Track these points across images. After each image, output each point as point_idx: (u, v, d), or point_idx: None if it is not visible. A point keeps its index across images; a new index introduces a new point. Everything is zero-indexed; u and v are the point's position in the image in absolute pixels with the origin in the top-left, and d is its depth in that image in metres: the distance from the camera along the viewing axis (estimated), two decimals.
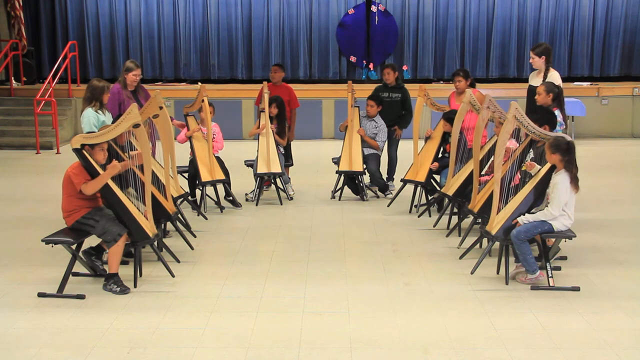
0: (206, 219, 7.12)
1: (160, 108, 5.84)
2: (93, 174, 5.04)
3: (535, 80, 7.08)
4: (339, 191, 8.08)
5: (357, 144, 7.87)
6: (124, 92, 6.96)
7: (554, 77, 6.96)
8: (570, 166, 5.08)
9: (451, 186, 6.58)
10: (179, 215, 6.35)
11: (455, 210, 6.73)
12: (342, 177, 8.01)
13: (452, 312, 4.72)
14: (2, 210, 7.75)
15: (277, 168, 7.73)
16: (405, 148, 8.53)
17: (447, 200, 6.82)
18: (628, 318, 4.63)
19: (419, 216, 7.20)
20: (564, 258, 5.79)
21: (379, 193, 8.22)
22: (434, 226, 6.76)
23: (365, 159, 7.92)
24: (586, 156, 9.96)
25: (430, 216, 7.15)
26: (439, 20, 14.95)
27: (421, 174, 7.28)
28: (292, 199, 8.03)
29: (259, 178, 7.81)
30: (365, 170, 7.99)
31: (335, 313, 4.73)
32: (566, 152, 5.07)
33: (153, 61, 14.90)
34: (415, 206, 7.38)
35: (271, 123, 7.91)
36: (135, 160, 5.43)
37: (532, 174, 5.41)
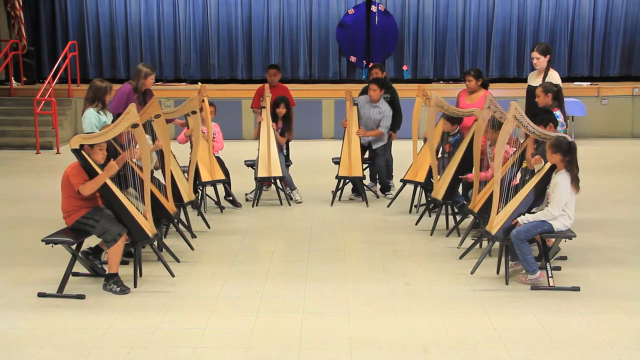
0: (206, 222, 7.03)
1: (194, 112, 6.27)
2: (92, 174, 5.04)
3: (535, 80, 7.07)
4: (339, 191, 8.07)
5: (356, 148, 7.79)
6: (134, 95, 6.90)
7: (554, 76, 6.94)
8: (571, 166, 5.08)
9: (439, 190, 6.58)
10: (182, 217, 6.36)
11: (453, 211, 6.75)
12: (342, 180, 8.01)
13: (452, 312, 4.72)
14: (2, 210, 7.75)
15: (277, 172, 7.69)
16: (404, 148, 8.53)
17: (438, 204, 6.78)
18: (628, 318, 4.63)
19: (417, 222, 7.08)
20: (564, 258, 5.79)
21: (379, 193, 8.21)
22: (431, 234, 6.59)
23: (374, 154, 7.94)
24: (586, 156, 9.97)
25: (430, 216, 7.14)
26: (439, 20, 14.95)
27: (420, 174, 7.26)
28: (301, 202, 7.99)
29: (259, 181, 7.79)
30: (368, 169, 8.01)
31: (335, 313, 4.73)
32: (567, 152, 5.07)
33: (153, 61, 14.88)
34: (415, 206, 7.38)
35: (276, 122, 7.91)
36: (133, 154, 5.43)
37: (536, 170, 5.40)
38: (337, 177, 7.93)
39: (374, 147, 7.91)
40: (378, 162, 7.96)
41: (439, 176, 6.68)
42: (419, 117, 7.26)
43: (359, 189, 8.00)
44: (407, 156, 7.93)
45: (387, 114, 7.87)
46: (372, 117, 7.84)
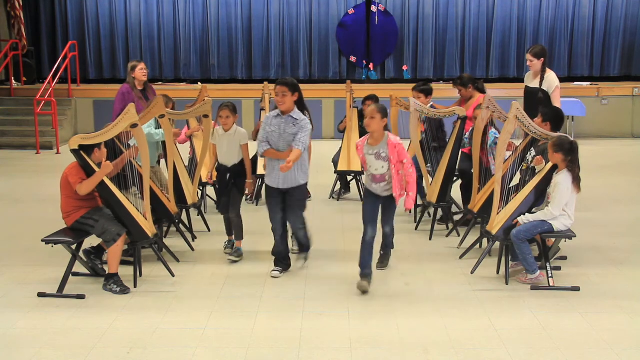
0: (207, 224, 7.00)
1: (206, 116, 6.23)
2: (90, 174, 5.04)
3: (532, 81, 7.07)
4: (339, 191, 8.07)
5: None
6: (133, 92, 6.93)
7: (551, 77, 6.95)
8: (573, 166, 5.08)
9: (432, 193, 6.56)
10: (183, 218, 6.35)
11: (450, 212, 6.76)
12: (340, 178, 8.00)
13: (452, 312, 4.72)
14: (2, 210, 7.75)
15: None
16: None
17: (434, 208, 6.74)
18: (628, 318, 4.63)
19: (416, 227, 7.05)
20: (564, 258, 5.79)
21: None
22: (430, 238, 6.52)
23: (287, 196, 5.42)
24: (586, 156, 9.95)
25: (430, 216, 7.13)
26: (439, 20, 14.96)
27: None
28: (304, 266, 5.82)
29: (260, 179, 7.78)
30: None
31: (335, 313, 4.73)
32: (569, 151, 5.07)
33: (153, 61, 14.90)
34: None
35: None
36: (133, 152, 5.43)
37: (538, 170, 5.40)
38: (336, 172, 7.96)
39: (288, 186, 5.31)
40: (296, 207, 5.42)
41: (430, 179, 6.66)
42: (397, 125, 7.19)
43: (348, 185, 8.02)
44: None
45: (304, 124, 5.30)
46: (286, 131, 5.26)
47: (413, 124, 6.59)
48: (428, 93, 6.93)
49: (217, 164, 6.02)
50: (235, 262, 5.79)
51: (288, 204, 5.38)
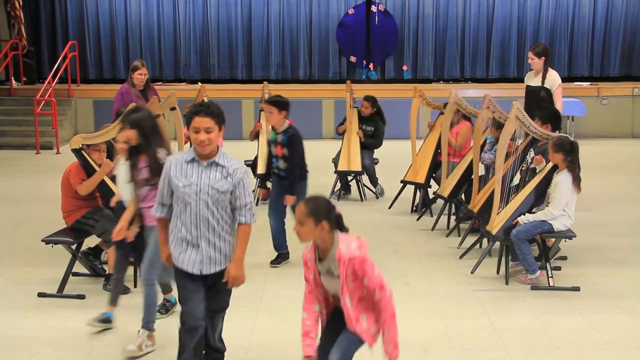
0: None
1: (173, 109, 6.16)
2: (91, 174, 5.05)
3: (533, 80, 7.07)
4: (338, 192, 8.08)
5: (356, 144, 7.86)
6: (132, 91, 6.96)
7: (554, 76, 6.95)
8: (573, 166, 5.09)
9: (445, 187, 6.56)
10: None
11: (454, 211, 6.75)
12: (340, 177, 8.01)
13: (452, 312, 4.72)
14: (2, 210, 7.75)
15: None
16: (404, 148, 8.51)
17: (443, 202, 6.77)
18: (628, 318, 4.63)
19: (418, 219, 7.10)
20: (564, 258, 5.79)
21: (379, 193, 8.15)
22: (432, 229, 6.62)
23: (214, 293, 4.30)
24: (586, 156, 9.94)
25: (431, 215, 7.13)
26: (439, 20, 14.95)
27: (420, 175, 7.23)
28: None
29: (258, 178, 7.80)
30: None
31: None
32: (569, 152, 5.08)
33: (153, 61, 14.88)
34: (416, 206, 7.38)
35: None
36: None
37: (538, 170, 5.41)
38: (336, 172, 7.97)
39: (212, 271, 3.62)
40: (220, 297, 3.77)
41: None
42: (416, 117, 7.23)
43: (349, 187, 7.99)
44: (406, 157, 7.86)
45: (241, 176, 3.53)
46: (216, 187, 3.48)
47: (447, 118, 6.55)
48: (282, 107, 5.75)
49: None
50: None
51: (210, 291, 3.67)
